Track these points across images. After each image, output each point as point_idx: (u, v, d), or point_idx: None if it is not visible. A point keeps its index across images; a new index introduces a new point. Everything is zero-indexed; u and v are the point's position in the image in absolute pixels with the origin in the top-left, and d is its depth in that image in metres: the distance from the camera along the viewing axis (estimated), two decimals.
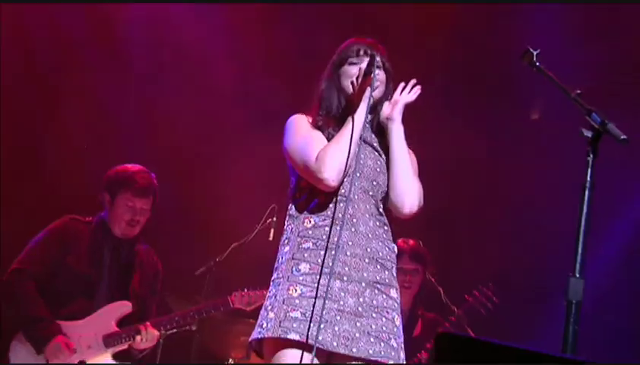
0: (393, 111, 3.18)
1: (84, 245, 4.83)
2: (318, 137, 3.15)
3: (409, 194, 3.14)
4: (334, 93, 3.23)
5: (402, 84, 3.21)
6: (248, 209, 5.30)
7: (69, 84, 5.88)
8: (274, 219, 5.10)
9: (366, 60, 3.17)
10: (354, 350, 3.00)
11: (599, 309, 5.26)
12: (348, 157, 3.02)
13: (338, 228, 3.02)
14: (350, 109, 3.15)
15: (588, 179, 2.60)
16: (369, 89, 3.09)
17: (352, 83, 3.18)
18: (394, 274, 3.18)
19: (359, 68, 3.16)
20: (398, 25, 5.60)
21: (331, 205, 3.09)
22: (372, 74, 3.08)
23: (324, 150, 3.05)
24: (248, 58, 6.17)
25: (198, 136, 6.14)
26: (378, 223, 3.13)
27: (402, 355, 3.10)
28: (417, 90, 3.18)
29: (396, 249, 3.21)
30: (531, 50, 2.84)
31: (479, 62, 6.21)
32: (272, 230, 5.08)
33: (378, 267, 3.10)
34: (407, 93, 3.18)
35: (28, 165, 5.78)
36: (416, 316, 5.46)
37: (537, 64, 2.83)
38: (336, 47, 3.32)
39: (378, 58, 3.17)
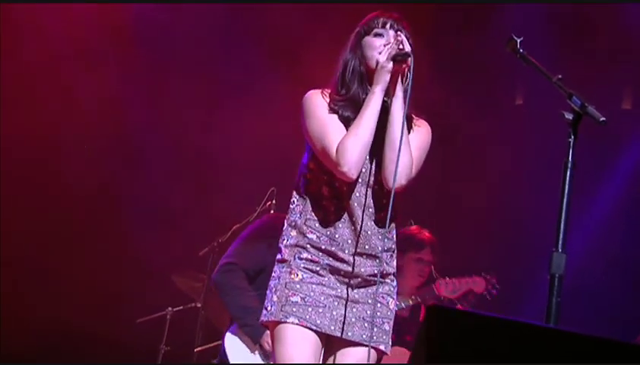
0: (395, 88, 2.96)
1: None
2: (336, 125, 2.99)
3: (395, 168, 2.92)
4: (356, 63, 3.04)
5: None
6: (248, 192, 5.27)
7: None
8: (274, 201, 5.06)
9: (391, 33, 3.01)
10: (349, 334, 3.01)
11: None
12: (363, 147, 2.89)
13: (340, 226, 2.99)
14: (369, 83, 2.98)
15: (569, 158, 2.59)
16: (399, 85, 2.93)
17: (374, 56, 2.97)
18: (392, 263, 3.11)
19: (383, 46, 2.96)
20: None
21: (334, 198, 3.00)
22: (408, 74, 2.92)
23: (343, 143, 2.91)
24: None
25: (200, 124, 6.11)
26: (380, 217, 3.03)
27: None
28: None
29: (395, 238, 3.12)
30: (515, 38, 2.80)
31: (467, 48, 6.17)
32: (272, 212, 5.04)
33: (377, 261, 3.03)
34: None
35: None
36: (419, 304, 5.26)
37: (521, 50, 2.79)
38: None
39: (403, 37, 2.97)
